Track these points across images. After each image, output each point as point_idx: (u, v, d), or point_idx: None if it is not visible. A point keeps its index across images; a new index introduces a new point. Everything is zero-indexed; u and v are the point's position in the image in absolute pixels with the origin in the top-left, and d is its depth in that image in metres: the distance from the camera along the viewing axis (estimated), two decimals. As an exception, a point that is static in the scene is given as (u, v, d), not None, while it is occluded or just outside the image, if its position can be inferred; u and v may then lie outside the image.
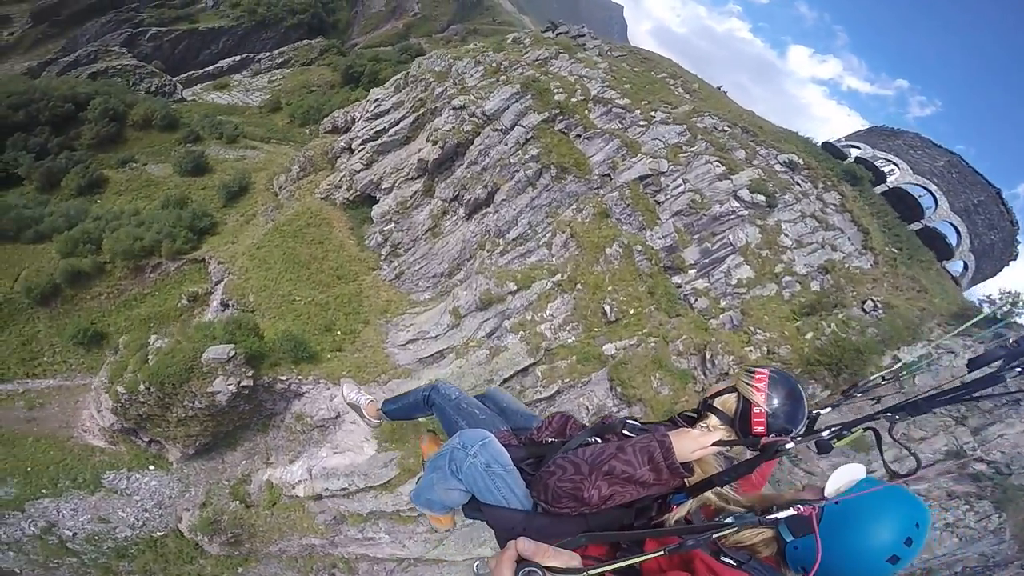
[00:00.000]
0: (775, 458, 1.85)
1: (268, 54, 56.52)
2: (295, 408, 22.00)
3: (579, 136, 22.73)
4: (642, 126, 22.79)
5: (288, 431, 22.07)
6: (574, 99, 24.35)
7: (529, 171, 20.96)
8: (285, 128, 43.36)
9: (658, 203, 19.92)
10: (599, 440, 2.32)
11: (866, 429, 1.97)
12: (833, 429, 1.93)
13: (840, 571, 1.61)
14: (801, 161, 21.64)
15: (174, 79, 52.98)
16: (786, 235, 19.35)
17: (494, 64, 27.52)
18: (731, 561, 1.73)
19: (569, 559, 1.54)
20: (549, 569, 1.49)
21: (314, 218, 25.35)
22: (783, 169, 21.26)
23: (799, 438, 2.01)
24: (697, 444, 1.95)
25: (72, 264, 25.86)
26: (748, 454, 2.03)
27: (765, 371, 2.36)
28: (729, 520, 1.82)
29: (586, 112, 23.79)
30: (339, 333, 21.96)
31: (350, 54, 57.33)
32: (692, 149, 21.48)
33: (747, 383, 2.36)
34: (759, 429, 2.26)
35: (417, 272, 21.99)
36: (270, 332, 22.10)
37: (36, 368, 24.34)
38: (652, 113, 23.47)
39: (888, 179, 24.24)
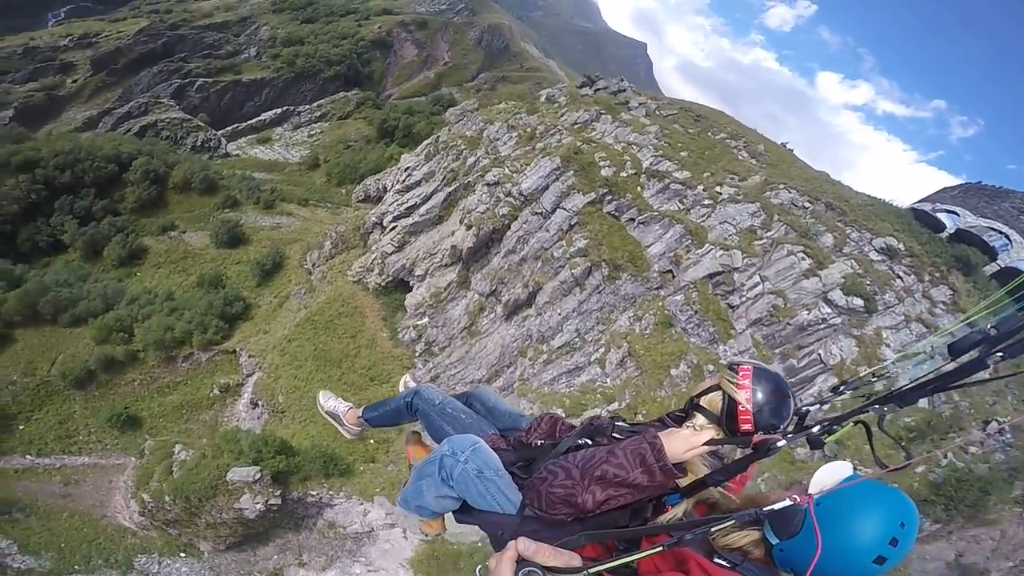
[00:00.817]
0: (767, 456, 1.78)
1: (307, 107, 57.16)
2: (327, 516, 21.77)
3: (632, 220, 20.21)
4: (707, 206, 20.04)
5: (321, 535, 21.96)
6: (624, 174, 21.88)
7: (576, 270, 18.52)
8: (323, 188, 43.02)
9: (731, 308, 17.10)
10: (589, 442, 2.27)
11: (856, 423, 1.88)
12: (823, 424, 1.86)
13: (824, 571, 1.52)
14: (902, 246, 18.30)
15: (219, 133, 54.10)
16: (887, 346, 16.17)
17: (528, 129, 25.47)
18: (724, 563, 1.69)
19: (569, 559, 1.56)
20: (549, 569, 1.50)
21: (346, 306, 23.87)
22: (880, 258, 18.00)
23: (790, 435, 1.86)
24: (688, 444, 1.90)
25: (106, 352, 26.41)
26: (739, 452, 2.01)
27: (749, 368, 2.25)
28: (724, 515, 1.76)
29: (639, 190, 21.28)
30: (372, 442, 20.65)
31: (384, 106, 57.57)
32: (769, 234, 18.58)
33: (731, 381, 2.25)
34: (746, 427, 2.17)
35: (454, 376, 19.90)
36: (300, 438, 21.40)
37: (72, 446, 24.68)
38: (717, 188, 20.70)
39: (999, 257, 20.53)
